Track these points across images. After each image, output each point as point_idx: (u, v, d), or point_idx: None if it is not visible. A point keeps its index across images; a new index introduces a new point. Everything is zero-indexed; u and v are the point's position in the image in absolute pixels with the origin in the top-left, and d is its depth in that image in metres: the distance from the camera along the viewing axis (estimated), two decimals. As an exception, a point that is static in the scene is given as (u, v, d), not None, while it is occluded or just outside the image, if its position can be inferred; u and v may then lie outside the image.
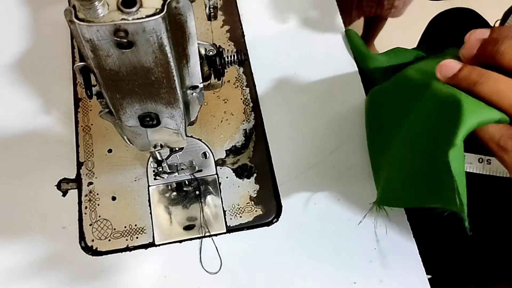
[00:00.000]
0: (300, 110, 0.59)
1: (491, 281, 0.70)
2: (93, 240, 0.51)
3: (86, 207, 0.52)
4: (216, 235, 0.52)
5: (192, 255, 0.51)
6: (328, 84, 0.61)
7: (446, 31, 0.72)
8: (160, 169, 0.51)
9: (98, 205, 0.53)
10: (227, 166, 0.55)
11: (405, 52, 0.61)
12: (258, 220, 0.53)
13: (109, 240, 0.51)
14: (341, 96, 0.60)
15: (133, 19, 0.26)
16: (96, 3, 0.25)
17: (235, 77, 0.60)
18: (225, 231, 0.52)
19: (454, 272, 0.72)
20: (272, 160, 0.56)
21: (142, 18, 0.26)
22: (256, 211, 0.53)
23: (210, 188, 0.54)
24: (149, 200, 0.53)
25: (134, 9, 0.26)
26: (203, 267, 0.50)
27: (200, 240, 0.52)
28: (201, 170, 0.55)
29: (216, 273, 0.50)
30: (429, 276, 0.52)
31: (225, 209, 0.53)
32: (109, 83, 0.31)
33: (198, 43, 0.35)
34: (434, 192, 0.44)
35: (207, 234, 0.51)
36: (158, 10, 0.26)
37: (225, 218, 0.53)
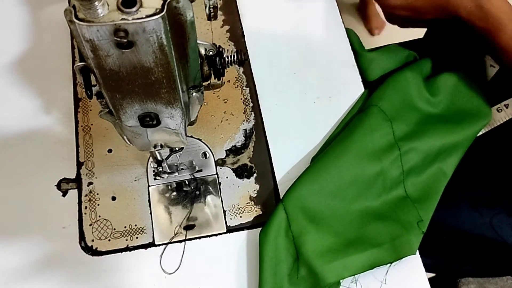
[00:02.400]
0: (300, 110, 0.59)
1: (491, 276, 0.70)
2: (93, 240, 0.51)
3: (86, 207, 0.52)
4: (216, 235, 0.52)
5: (192, 255, 0.51)
6: (328, 84, 0.61)
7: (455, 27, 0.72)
8: (160, 169, 0.51)
9: (98, 205, 0.53)
10: (227, 166, 0.55)
11: (398, 51, 0.62)
12: (258, 220, 0.53)
13: (109, 240, 0.51)
14: (341, 96, 0.60)
15: (133, 19, 0.26)
16: (96, 3, 0.25)
17: (235, 77, 0.60)
18: (225, 231, 0.52)
19: (454, 268, 0.72)
20: (272, 160, 0.56)
21: (142, 18, 0.26)
22: (256, 211, 0.53)
23: (210, 188, 0.54)
24: (149, 200, 0.53)
25: (134, 9, 0.26)
26: (161, 266, 0.50)
27: (168, 242, 0.51)
28: (201, 170, 0.55)
29: (171, 273, 0.50)
30: (429, 276, 0.52)
31: (225, 209, 0.53)
32: (109, 83, 0.31)
33: (198, 43, 0.35)
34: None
35: (180, 239, 0.51)
36: (158, 10, 0.26)
37: (225, 218, 0.53)
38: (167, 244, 0.51)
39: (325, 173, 0.51)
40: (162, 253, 0.51)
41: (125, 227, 0.52)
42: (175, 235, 0.51)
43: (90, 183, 0.54)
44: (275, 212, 0.50)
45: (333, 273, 0.48)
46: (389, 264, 0.50)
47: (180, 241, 0.52)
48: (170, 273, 0.50)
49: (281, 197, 0.54)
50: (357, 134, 0.53)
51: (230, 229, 0.52)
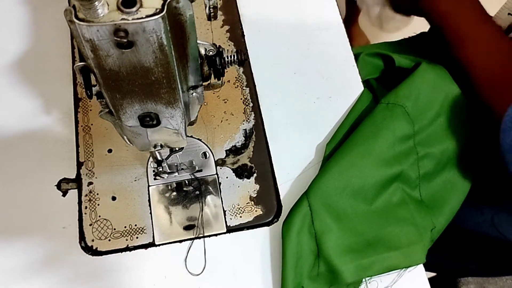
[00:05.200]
0: (300, 110, 0.59)
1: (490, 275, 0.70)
2: (93, 240, 0.51)
3: (86, 207, 0.52)
4: (216, 235, 0.52)
5: (192, 255, 0.51)
6: (328, 84, 0.61)
7: None
8: (160, 169, 0.51)
9: (98, 205, 0.53)
10: (227, 166, 0.55)
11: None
12: (258, 220, 0.53)
13: (109, 240, 0.51)
14: (341, 96, 0.60)
15: (133, 19, 0.26)
16: (96, 3, 0.25)
17: (235, 77, 0.60)
18: (225, 231, 0.52)
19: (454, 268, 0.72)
20: (272, 160, 0.56)
21: (142, 18, 0.26)
22: (256, 211, 0.53)
23: (210, 188, 0.54)
24: (149, 200, 0.53)
25: (134, 9, 0.26)
26: (186, 268, 0.50)
27: (191, 241, 0.52)
28: (201, 170, 0.55)
29: (198, 275, 0.50)
30: (430, 276, 0.52)
31: (225, 209, 0.53)
32: (109, 83, 0.31)
33: (198, 43, 0.35)
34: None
35: (200, 235, 0.51)
36: (158, 10, 0.26)
37: (225, 218, 0.53)
38: (168, 243, 0.51)
39: (349, 172, 0.51)
40: (186, 256, 0.51)
41: (125, 227, 0.52)
42: (196, 237, 0.51)
43: (90, 183, 0.54)
44: (299, 205, 0.51)
45: (352, 273, 0.49)
46: (404, 269, 0.51)
47: (180, 241, 0.52)
48: (197, 275, 0.50)
49: (281, 197, 0.54)
50: (381, 137, 0.53)
51: (230, 229, 0.52)
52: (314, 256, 0.50)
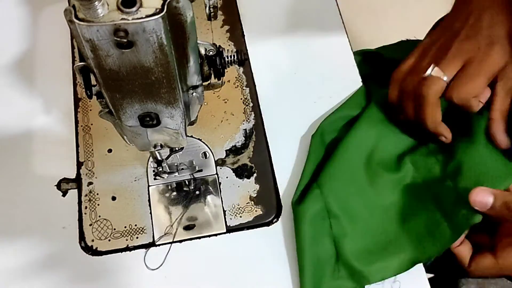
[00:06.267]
0: (300, 110, 0.59)
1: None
2: (93, 240, 0.51)
3: (86, 207, 0.52)
4: (216, 235, 0.52)
5: (192, 255, 0.51)
6: (328, 84, 0.61)
7: None
8: (160, 169, 0.51)
9: (98, 205, 0.53)
10: (227, 166, 0.55)
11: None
12: (258, 220, 0.53)
13: (109, 240, 0.51)
14: (341, 96, 0.60)
15: (133, 19, 0.26)
16: (96, 3, 0.25)
17: (235, 77, 0.60)
18: (225, 231, 0.52)
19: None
20: (272, 160, 0.56)
21: (142, 18, 0.26)
22: (256, 211, 0.53)
23: (210, 188, 0.54)
24: (149, 200, 0.53)
25: (134, 9, 0.26)
26: (145, 263, 0.50)
27: (170, 244, 0.52)
28: (201, 170, 0.55)
29: (155, 269, 0.50)
30: (430, 276, 0.52)
31: (225, 209, 0.53)
32: (109, 83, 0.31)
33: (198, 43, 0.35)
34: None
35: (169, 241, 0.51)
36: (158, 10, 0.26)
37: (225, 218, 0.53)
38: (157, 244, 0.51)
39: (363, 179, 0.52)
40: (146, 253, 0.51)
41: (125, 227, 0.52)
42: (165, 234, 0.51)
43: (90, 183, 0.54)
44: (313, 206, 0.50)
45: (375, 274, 0.48)
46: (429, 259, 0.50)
47: (180, 241, 0.52)
48: (153, 269, 0.50)
49: (281, 197, 0.54)
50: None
51: (230, 229, 0.52)
52: (333, 260, 0.49)
